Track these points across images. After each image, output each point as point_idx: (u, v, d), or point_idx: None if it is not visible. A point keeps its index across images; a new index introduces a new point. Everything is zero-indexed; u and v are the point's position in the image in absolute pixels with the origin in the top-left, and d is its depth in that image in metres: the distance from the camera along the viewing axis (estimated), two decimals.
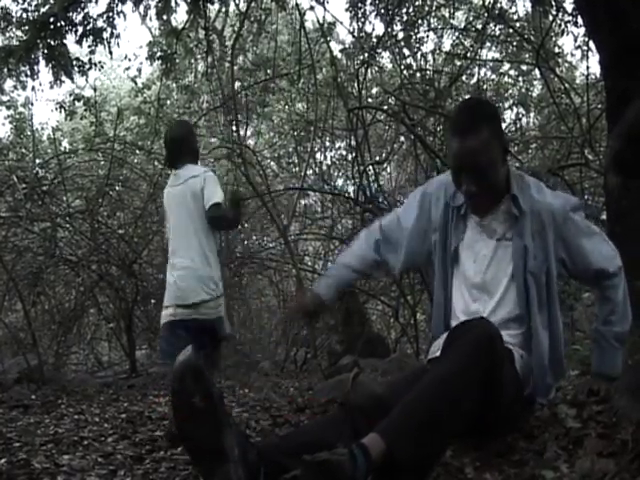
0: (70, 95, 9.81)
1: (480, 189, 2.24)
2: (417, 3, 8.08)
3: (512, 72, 10.37)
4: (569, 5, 6.94)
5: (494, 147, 2.24)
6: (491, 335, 1.98)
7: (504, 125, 8.57)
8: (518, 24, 8.51)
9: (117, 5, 6.83)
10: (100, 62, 7.89)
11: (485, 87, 9.07)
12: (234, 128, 8.55)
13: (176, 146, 3.81)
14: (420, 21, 8.26)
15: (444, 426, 1.86)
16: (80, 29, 6.73)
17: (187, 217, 3.64)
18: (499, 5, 7.96)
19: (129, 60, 14.89)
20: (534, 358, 2.24)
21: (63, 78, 7.23)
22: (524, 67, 9.88)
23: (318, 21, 8.26)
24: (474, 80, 9.01)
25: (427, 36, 8.60)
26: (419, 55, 8.63)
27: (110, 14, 6.85)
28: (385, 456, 1.75)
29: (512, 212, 2.28)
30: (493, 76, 10.03)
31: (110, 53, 7.36)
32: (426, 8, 8.24)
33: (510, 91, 10.33)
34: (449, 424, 1.87)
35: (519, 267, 2.27)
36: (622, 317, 2.34)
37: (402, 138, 8.93)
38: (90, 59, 7.46)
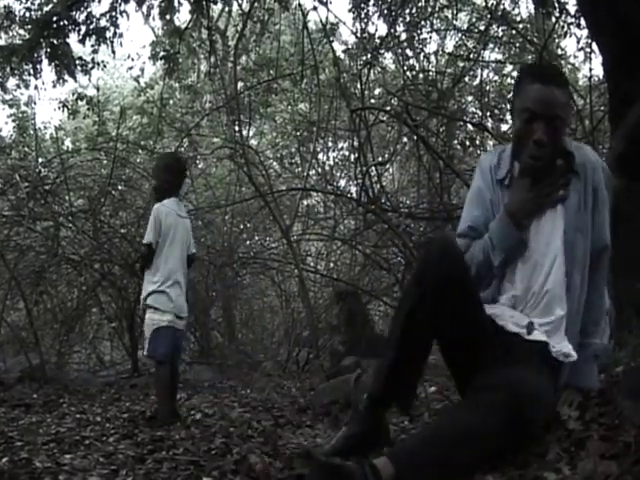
0: (73, 94, 9.81)
1: (551, 141, 2.21)
2: (420, 4, 8.08)
3: (515, 74, 10.35)
4: (572, 7, 6.94)
5: (570, 109, 2.24)
6: (522, 406, 1.93)
7: (507, 127, 8.58)
8: (521, 26, 8.51)
9: (120, 4, 6.85)
10: (103, 61, 7.90)
11: (488, 88, 9.06)
12: (237, 128, 8.54)
13: (184, 177, 4.37)
14: (423, 22, 8.26)
15: (457, 470, 1.87)
16: (83, 28, 6.75)
17: (184, 249, 4.14)
18: (502, 7, 7.97)
19: (132, 59, 14.90)
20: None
21: (66, 77, 7.24)
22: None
23: (321, 21, 8.26)
24: (477, 81, 9.01)
25: (430, 37, 8.61)
26: (422, 56, 8.64)
27: (113, 13, 6.87)
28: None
29: (566, 171, 2.28)
30: (496, 77, 10.02)
31: (113, 52, 7.39)
32: (429, 9, 8.24)
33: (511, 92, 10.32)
34: (462, 469, 1.88)
35: (571, 226, 2.27)
36: (603, 330, 2.37)
37: (405, 139, 8.92)
38: (93, 58, 7.48)
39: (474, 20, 8.91)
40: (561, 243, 2.28)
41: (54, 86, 7.41)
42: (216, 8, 9.10)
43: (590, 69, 11.26)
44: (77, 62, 7.26)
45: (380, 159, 8.99)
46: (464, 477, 1.89)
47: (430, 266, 2.17)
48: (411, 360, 2.22)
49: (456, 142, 8.27)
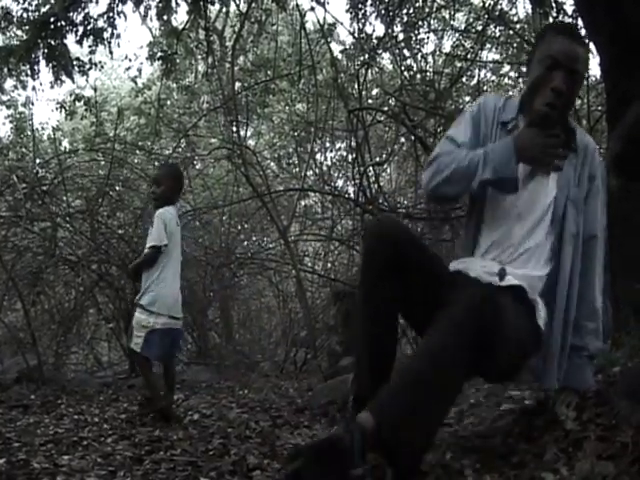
0: (70, 95, 9.82)
1: (568, 92, 2.23)
2: (417, 4, 8.08)
3: (512, 74, 10.36)
4: (569, 7, 6.95)
5: (587, 70, 2.35)
6: (481, 302, 1.91)
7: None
8: (518, 26, 8.52)
9: (117, 5, 6.84)
10: (100, 62, 7.90)
11: (485, 88, 9.07)
12: (234, 129, 8.55)
13: (183, 186, 4.57)
14: (420, 22, 8.26)
15: (431, 405, 1.86)
16: (81, 29, 6.74)
17: (179, 254, 4.34)
18: (499, 7, 7.97)
19: (129, 60, 14.96)
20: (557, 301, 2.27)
21: (63, 78, 7.24)
22: (524, 69, 9.87)
23: (318, 22, 8.28)
24: (474, 81, 9.02)
25: (427, 37, 8.61)
26: (419, 56, 8.64)
27: (110, 14, 6.86)
28: (375, 434, 1.77)
29: (568, 143, 2.29)
30: (493, 78, 10.04)
31: (110, 53, 7.38)
32: (426, 9, 8.24)
33: (510, 93, 10.33)
34: (437, 401, 1.87)
35: (563, 194, 2.28)
36: (597, 328, 2.36)
37: (402, 139, 8.93)
38: (90, 59, 7.47)
39: (471, 20, 8.92)
40: (549, 205, 2.28)
41: (52, 87, 7.41)
42: (213, 9, 9.11)
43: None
44: (74, 63, 7.26)
45: (378, 159, 9.00)
46: (442, 412, 1.92)
47: (369, 251, 2.18)
48: (385, 349, 2.19)
49: None
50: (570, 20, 6.98)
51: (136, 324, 4.10)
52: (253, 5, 8.15)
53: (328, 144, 10.07)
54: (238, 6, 8.88)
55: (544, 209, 2.28)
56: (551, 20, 7.09)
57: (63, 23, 6.61)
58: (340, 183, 10.70)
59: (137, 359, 4.23)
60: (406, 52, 8.47)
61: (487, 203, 2.35)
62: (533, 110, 2.29)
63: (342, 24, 17.45)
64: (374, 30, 8.32)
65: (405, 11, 7.99)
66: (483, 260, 2.31)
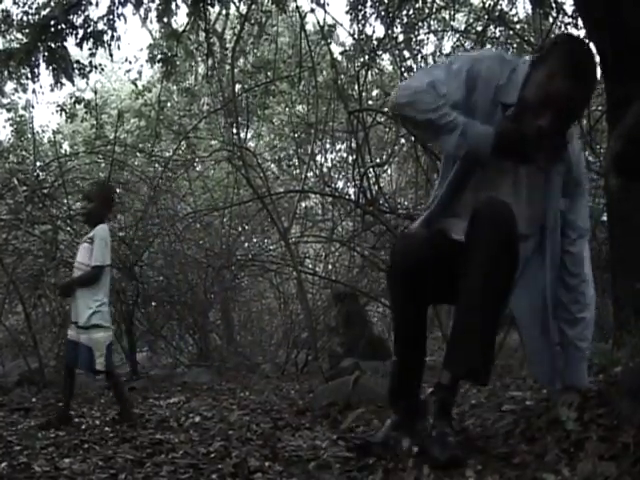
0: (71, 98, 9.83)
1: (557, 132, 2.27)
2: (417, 5, 8.08)
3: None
4: (569, 7, 6.94)
5: (587, 105, 2.41)
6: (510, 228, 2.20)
7: None
8: (518, 26, 8.52)
9: (117, 8, 6.83)
10: (101, 65, 7.90)
11: None
12: (234, 130, 8.56)
13: (113, 203, 4.80)
14: (420, 23, 8.27)
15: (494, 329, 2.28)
16: (81, 32, 6.73)
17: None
18: (499, 7, 7.97)
19: (130, 63, 14.98)
20: None
21: (64, 81, 7.23)
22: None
23: (318, 23, 8.27)
24: None
25: (427, 38, 8.64)
26: (419, 57, 8.65)
27: (110, 17, 6.85)
28: (454, 380, 2.27)
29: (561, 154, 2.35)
30: None
31: (111, 56, 7.37)
32: (426, 10, 8.24)
33: None
34: (493, 319, 2.24)
35: (551, 204, 2.38)
36: (589, 322, 2.45)
37: (402, 140, 8.92)
38: (91, 62, 7.47)
39: (471, 21, 8.92)
40: (529, 190, 2.37)
41: (52, 90, 7.41)
42: (214, 11, 9.12)
43: None
44: (75, 65, 7.25)
45: (378, 160, 8.99)
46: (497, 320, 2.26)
47: (400, 263, 2.36)
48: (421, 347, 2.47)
49: None
50: (571, 20, 6.99)
51: (97, 344, 4.11)
52: (253, 7, 8.15)
53: (328, 145, 10.08)
54: (238, 8, 8.89)
55: (524, 188, 2.37)
56: (555, 23, 7.08)
57: (63, 26, 6.60)
58: (340, 184, 10.71)
59: (111, 377, 4.29)
60: (406, 53, 8.49)
61: (479, 175, 2.40)
62: (527, 117, 2.26)
63: (342, 25, 17.47)
64: (374, 31, 8.37)
65: (405, 12, 7.99)
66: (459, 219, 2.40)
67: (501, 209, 2.22)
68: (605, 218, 4.20)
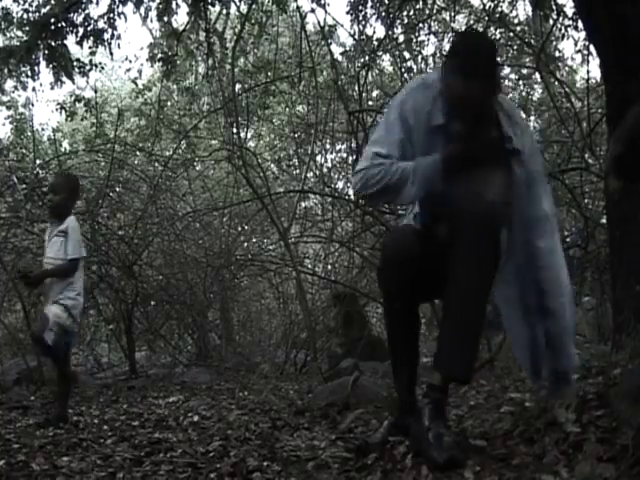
0: (71, 96, 9.82)
1: (470, 128, 2.37)
2: (418, 6, 8.08)
3: (513, 76, 10.38)
4: (570, 9, 6.95)
5: (494, 90, 2.38)
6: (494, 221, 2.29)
7: None
8: (519, 28, 8.52)
9: (118, 6, 6.83)
10: (101, 63, 7.90)
11: None
12: (234, 130, 8.55)
13: (78, 195, 4.76)
14: (421, 24, 8.26)
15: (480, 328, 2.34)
16: (81, 30, 6.73)
17: None
18: (500, 9, 7.96)
19: (130, 61, 14.98)
20: None
21: (64, 79, 7.23)
22: (525, 71, 9.89)
23: (319, 23, 8.26)
24: None
25: (428, 39, 8.62)
26: (420, 58, 8.64)
27: (111, 15, 6.85)
28: (445, 381, 2.31)
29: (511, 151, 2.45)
30: None
31: (111, 54, 7.37)
32: (427, 11, 8.23)
33: (511, 95, 10.33)
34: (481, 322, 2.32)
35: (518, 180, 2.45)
36: (568, 304, 2.53)
37: None
38: (91, 60, 7.47)
39: (472, 22, 8.92)
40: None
41: (52, 88, 7.41)
42: (214, 10, 9.09)
43: (588, 71, 11.34)
44: (75, 64, 7.24)
45: None
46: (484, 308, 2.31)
47: (389, 265, 2.42)
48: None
49: None
50: (572, 22, 6.99)
51: (55, 317, 4.03)
52: (254, 7, 8.15)
53: (328, 146, 10.06)
54: (239, 8, 8.87)
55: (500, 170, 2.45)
56: (555, 25, 7.08)
57: (63, 24, 6.60)
58: (340, 185, 10.70)
59: (58, 365, 4.22)
60: (406, 54, 8.48)
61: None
62: (455, 123, 2.39)
63: (342, 26, 17.40)
64: (374, 32, 8.35)
65: (405, 13, 7.99)
66: None
67: (482, 204, 2.30)
68: (605, 220, 4.20)
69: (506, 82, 10.22)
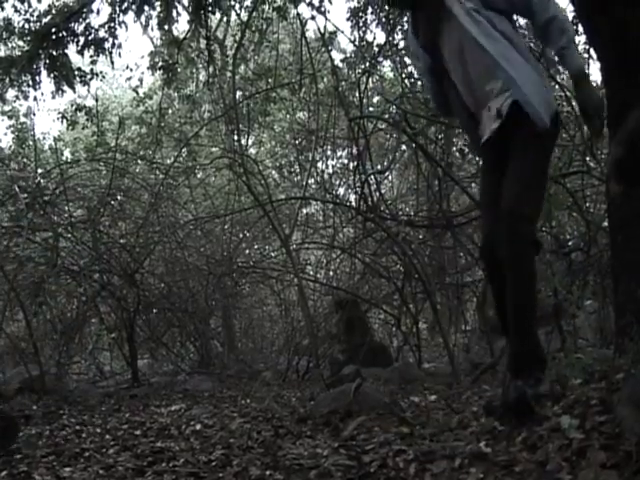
0: (72, 105, 9.84)
1: None
2: None
3: None
4: (570, 13, 6.95)
5: None
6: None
7: None
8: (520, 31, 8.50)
9: (119, 15, 6.87)
10: (102, 72, 7.93)
11: None
12: (235, 137, 8.57)
13: None
14: None
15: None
16: (82, 39, 6.76)
17: None
18: None
19: (131, 70, 15.02)
20: None
21: (65, 88, 7.27)
22: None
23: (319, 30, 8.30)
24: None
25: None
26: None
27: (112, 24, 6.89)
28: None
29: None
30: None
31: (112, 63, 7.41)
32: None
33: None
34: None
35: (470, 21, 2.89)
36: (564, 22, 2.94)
37: (403, 147, 8.93)
38: (92, 69, 7.51)
39: None
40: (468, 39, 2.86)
41: (53, 97, 7.45)
42: (214, 18, 9.14)
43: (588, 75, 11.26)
44: (76, 73, 7.28)
45: (379, 167, 9.00)
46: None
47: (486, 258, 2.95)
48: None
49: (455, 149, 8.27)
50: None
51: None
52: (254, 14, 8.18)
53: (329, 152, 10.07)
54: (239, 15, 8.91)
55: (469, 41, 2.92)
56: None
57: (64, 33, 6.63)
58: (341, 191, 10.72)
59: None
60: (407, 60, 8.47)
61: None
62: None
63: (343, 32, 17.53)
64: (375, 38, 8.39)
65: (406, 19, 8.00)
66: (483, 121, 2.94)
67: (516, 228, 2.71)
68: (606, 224, 4.19)
69: None
